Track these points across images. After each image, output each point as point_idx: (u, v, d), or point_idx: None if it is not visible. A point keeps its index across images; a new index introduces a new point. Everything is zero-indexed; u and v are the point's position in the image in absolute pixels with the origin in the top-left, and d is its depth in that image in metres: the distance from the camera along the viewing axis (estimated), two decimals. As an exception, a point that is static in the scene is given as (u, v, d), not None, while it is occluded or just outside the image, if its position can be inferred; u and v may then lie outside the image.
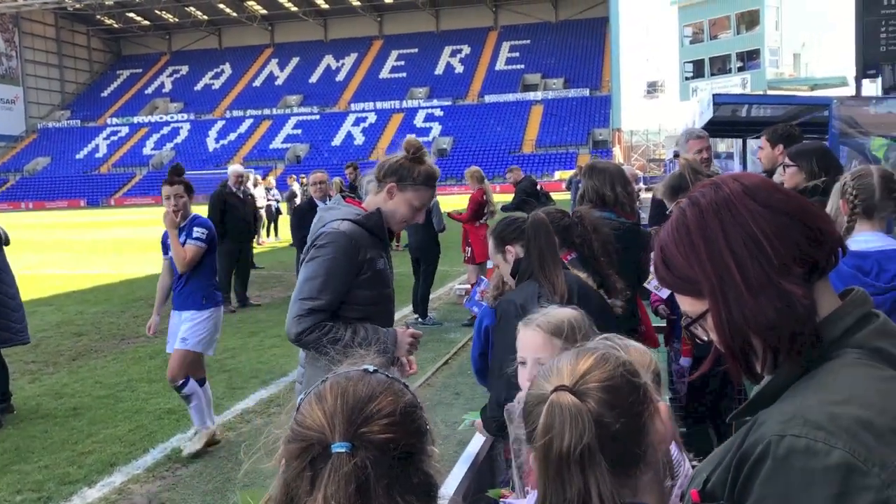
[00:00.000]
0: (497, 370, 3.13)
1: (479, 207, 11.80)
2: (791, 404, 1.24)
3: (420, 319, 11.12)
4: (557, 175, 55.48)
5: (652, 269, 1.40)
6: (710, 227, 1.30)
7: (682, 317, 1.40)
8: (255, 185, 21.85)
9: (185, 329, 6.05)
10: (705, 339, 1.38)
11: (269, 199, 24.04)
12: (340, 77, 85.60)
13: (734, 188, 1.33)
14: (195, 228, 6.03)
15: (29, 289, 14.95)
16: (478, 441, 3.57)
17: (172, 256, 6.05)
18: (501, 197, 16.71)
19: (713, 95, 6.86)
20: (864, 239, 3.18)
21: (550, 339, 2.37)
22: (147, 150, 78.24)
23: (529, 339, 2.43)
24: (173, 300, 6.23)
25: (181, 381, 5.96)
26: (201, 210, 12.96)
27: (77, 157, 79.33)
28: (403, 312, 11.68)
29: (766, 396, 1.32)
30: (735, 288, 1.27)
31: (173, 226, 6.03)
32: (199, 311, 6.04)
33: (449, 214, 12.13)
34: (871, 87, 12.35)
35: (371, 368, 1.35)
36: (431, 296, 11.81)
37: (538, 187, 14.22)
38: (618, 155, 63.46)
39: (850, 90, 14.11)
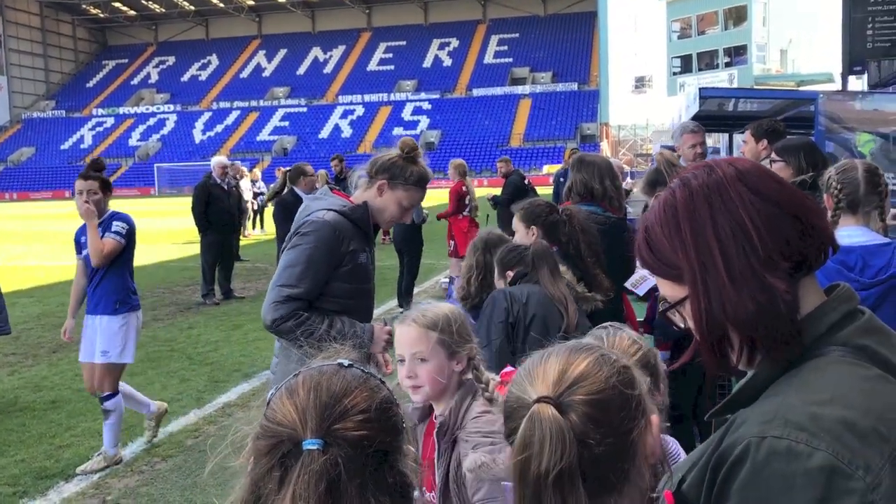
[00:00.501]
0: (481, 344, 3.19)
1: (460, 199, 11.83)
2: (772, 404, 1.19)
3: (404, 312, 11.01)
4: (545, 169, 55.57)
5: (637, 250, 1.35)
6: (698, 212, 1.25)
7: (660, 301, 1.36)
8: (241, 178, 21.69)
9: (103, 341, 5.64)
10: (681, 325, 1.33)
11: (254, 192, 23.86)
12: (328, 69, 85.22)
13: (728, 172, 1.28)
14: (114, 223, 5.61)
15: (10, 280, 14.80)
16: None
17: (88, 251, 5.62)
18: (491, 190, 16.67)
19: (699, 89, 6.83)
20: (849, 234, 3.15)
21: (426, 332, 2.38)
22: (133, 142, 77.68)
23: (405, 336, 2.42)
24: (87, 302, 5.81)
25: (106, 394, 5.59)
26: (186, 203, 12.93)
27: (62, 147, 78.65)
28: (389, 305, 11.63)
29: (746, 394, 1.27)
30: (717, 277, 1.22)
31: (91, 216, 5.57)
32: (112, 315, 5.64)
33: (438, 216, 12.25)
34: (858, 84, 12.38)
35: (346, 362, 1.30)
36: (417, 289, 11.81)
37: (525, 181, 14.16)
38: (605, 149, 63.47)
39: (836, 86, 14.13)
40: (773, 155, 4.40)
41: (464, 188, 11.91)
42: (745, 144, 5.57)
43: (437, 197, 15.90)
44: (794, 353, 1.23)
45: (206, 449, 5.87)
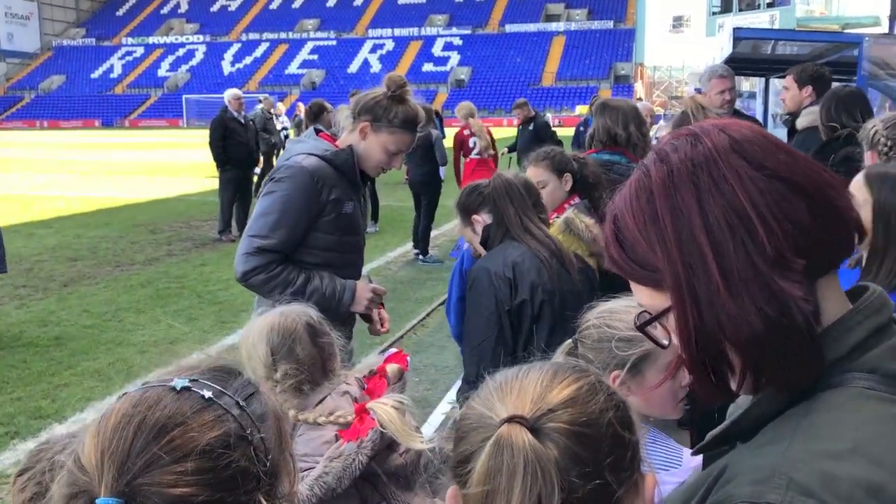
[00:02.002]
0: (470, 344, 2.82)
1: (460, 144, 11.58)
2: (770, 454, 0.90)
3: (421, 257, 10.81)
4: (578, 110, 54.47)
5: (604, 246, 1.03)
6: (680, 196, 0.94)
7: (638, 315, 1.04)
8: (278, 115, 21.25)
9: None
10: (665, 343, 1.01)
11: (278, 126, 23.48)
12: (358, 1, 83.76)
13: (719, 142, 0.95)
14: None
15: (30, 210, 14.78)
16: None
17: None
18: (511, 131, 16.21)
19: (734, 29, 6.37)
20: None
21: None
22: (162, 72, 77.34)
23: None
24: None
25: None
26: (206, 134, 12.64)
27: (92, 76, 78.55)
28: (406, 248, 11.42)
29: (743, 427, 0.98)
30: (709, 283, 0.91)
31: None
32: None
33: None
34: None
35: (181, 383, 0.98)
36: (434, 233, 11.52)
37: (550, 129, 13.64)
38: (639, 90, 62.16)
39: (883, 30, 13.44)
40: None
41: (465, 132, 11.51)
42: (785, 90, 5.16)
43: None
44: (812, 378, 0.93)
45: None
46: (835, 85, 4.62)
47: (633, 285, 1.02)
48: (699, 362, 0.95)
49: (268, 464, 0.99)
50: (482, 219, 2.99)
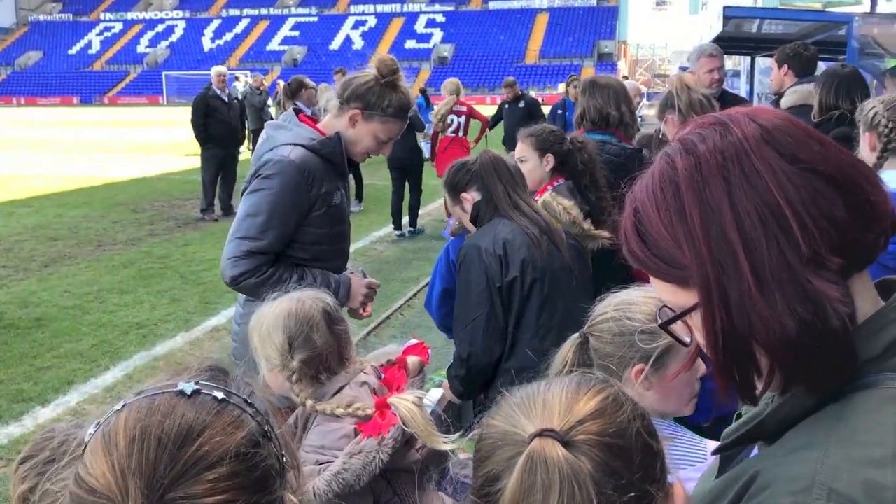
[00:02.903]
0: (460, 321, 2.78)
1: (440, 122, 11.67)
2: (807, 461, 0.85)
3: (411, 228, 11.10)
4: (560, 88, 54.38)
5: (622, 238, 0.98)
6: (709, 190, 0.89)
7: (660, 308, 1.00)
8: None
9: None
10: (687, 340, 0.98)
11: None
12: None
13: (750, 131, 0.90)
14: None
15: (8, 189, 14.57)
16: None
17: None
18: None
19: (724, 8, 6.32)
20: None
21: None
22: (141, 49, 76.33)
23: None
24: None
25: None
26: (187, 112, 12.49)
27: (70, 52, 77.39)
28: (382, 232, 11.34)
29: (767, 428, 0.94)
30: (739, 282, 0.86)
31: None
32: None
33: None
34: (887, 6, 11.71)
35: (189, 387, 0.92)
36: (421, 211, 11.51)
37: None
38: (623, 69, 62.05)
39: (865, 9, 13.43)
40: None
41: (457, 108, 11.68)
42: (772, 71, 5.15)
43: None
44: (846, 380, 0.89)
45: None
46: (828, 64, 4.59)
47: (653, 281, 0.98)
48: (726, 364, 0.91)
49: (287, 458, 0.96)
50: (471, 196, 2.93)
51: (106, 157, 20.85)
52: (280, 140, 2.85)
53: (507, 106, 13.13)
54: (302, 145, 2.81)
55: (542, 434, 0.90)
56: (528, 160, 3.49)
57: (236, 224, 2.83)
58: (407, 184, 11.08)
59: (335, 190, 2.90)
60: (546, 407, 0.95)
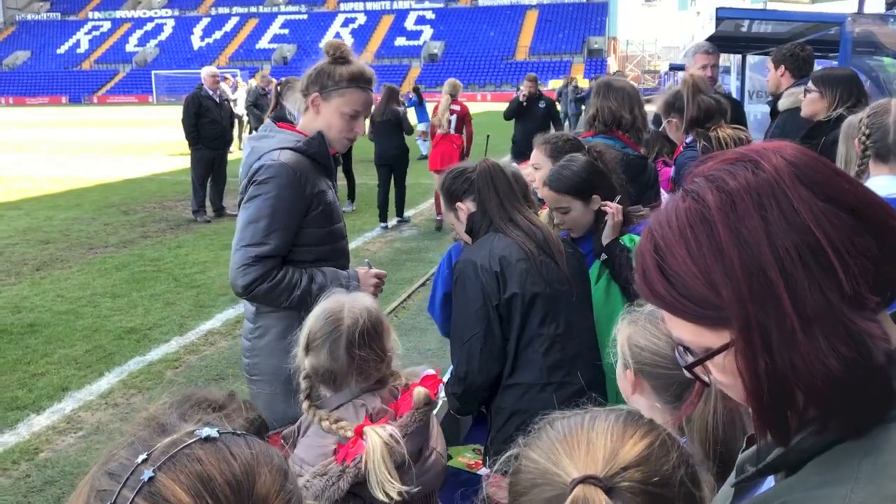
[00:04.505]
0: (457, 339, 2.76)
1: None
2: (834, 497, 0.84)
3: (400, 217, 11.84)
4: (551, 84, 54.35)
5: (636, 275, 0.96)
6: (747, 228, 0.86)
7: (677, 348, 0.97)
8: (236, 89, 21.06)
9: None
10: (707, 380, 0.95)
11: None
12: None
13: (780, 166, 0.88)
14: None
15: (-3, 191, 14.48)
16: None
17: None
18: (492, 105, 16.03)
19: (717, 9, 6.33)
20: (883, 184, 2.79)
21: None
22: (130, 47, 75.96)
23: None
24: None
25: None
26: (180, 111, 12.44)
27: (58, 51, 76.96)
28: (374, 232, 11.34)
29: (789, 459, 0.93)
30: (782, 323, 0.84)
31: None
32: None
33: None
34: (874, 5, 11.74)
35: (212, 432, 0.90)
36: (411, 212, 11.67)
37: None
38: (612, 65, 62.09)
39: (852, 7, 13.45)
40: (810, 84, 4.00)
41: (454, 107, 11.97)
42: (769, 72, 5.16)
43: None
44: (883, 415, 0.87)
45: (185, 382, 5.64)
46: (826, 65, 4.60)
47: (672, 321, 0.95)
48: (769, 407, 0.89)
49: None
50: (466, 207, 2.87)
51: (96, 158, 20.74)
52: (266, 148, 2.85)
53: (524, 104, 12.77)
54: (289, 148, 2.82)
55: (585, 481, 0.89)
56: (542, 168, 3.44)
57: (239, 234, 2.83)
58: (393, 179, 11.54)
59: (327, 188, 2.91)
60: (590, 449, 0.93)
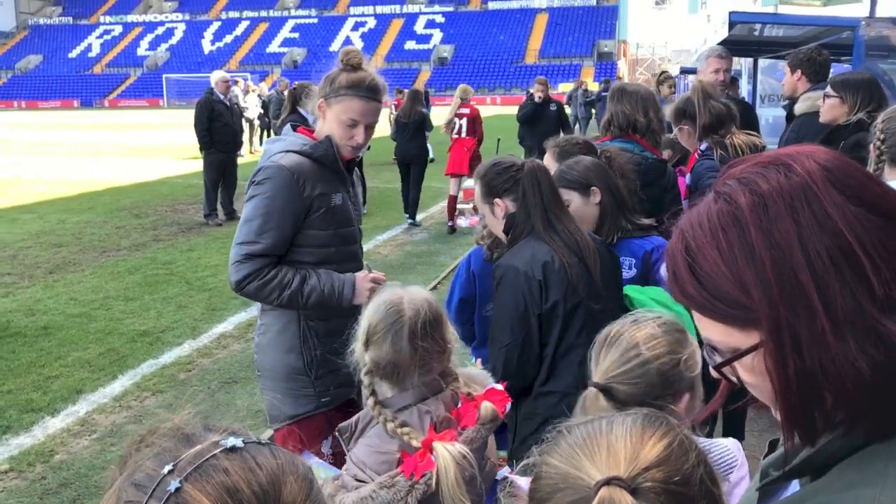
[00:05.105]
0: (495, 342, 2.75)
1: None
2: (863, 499, 0.84)
3: (411, 221, 11.96)
4: (560, 88, 54.40)
5: (665, 276, 0.97)
6: (779, 230, 0.88)
7: (706, 347, 0.98)
8: (248, 93, 21.16)
9: None
10: (735, 380, 0.97)
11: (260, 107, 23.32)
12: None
13: (813, 170, 0.90)
14: None
15: (10, 194, 14.57)
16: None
17: None
18: (502, 109, 16.06)
19: (730, 13, 6.32)
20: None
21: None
22: (141, 51, 76.43)
23: None
24: None
25: None
26: (191, 115, 12.49)
27: (70, 55, 77.48)
28: (394, 231, 11.37)
29: (814, 463, 0.93)
30: (812, 325, 0.85)
31: None
32: None
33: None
34: (887, 7, 11.69)
35: (238, 442, 0.91)
36: (422, 215, 11.68)
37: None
38: (622, 68, 62.03)
39: (864, 9, 13.41)
40: (829, 89, 3.99)
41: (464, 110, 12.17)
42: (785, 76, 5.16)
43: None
44: None
45: (198, 384, 5.66)
46: (837, 68, 4.59)
47: (702, 321, 0.96)
48: (797, 408, 0.90)
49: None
50: (504, 205, 2.82)
51: (107, 161, 20.86)
52: (274, 150, 2.92)
53: (538, 107, 12.78)
54: (294, 151, 2.87)
55: (610, 482, 0.90)
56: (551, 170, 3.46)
57: (237, 231, 2.91)
58: (410, 180, 11.86)
59: (333, 192, 2.92)
60: (611, 451, 0.94)
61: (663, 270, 3.12)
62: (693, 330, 2.69)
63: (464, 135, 11.92)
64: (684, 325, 1.82)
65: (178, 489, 0.85)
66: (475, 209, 3.35)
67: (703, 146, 4.12)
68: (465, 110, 11.93)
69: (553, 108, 12.73)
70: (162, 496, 0.85)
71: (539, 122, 12.24)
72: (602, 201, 3.17)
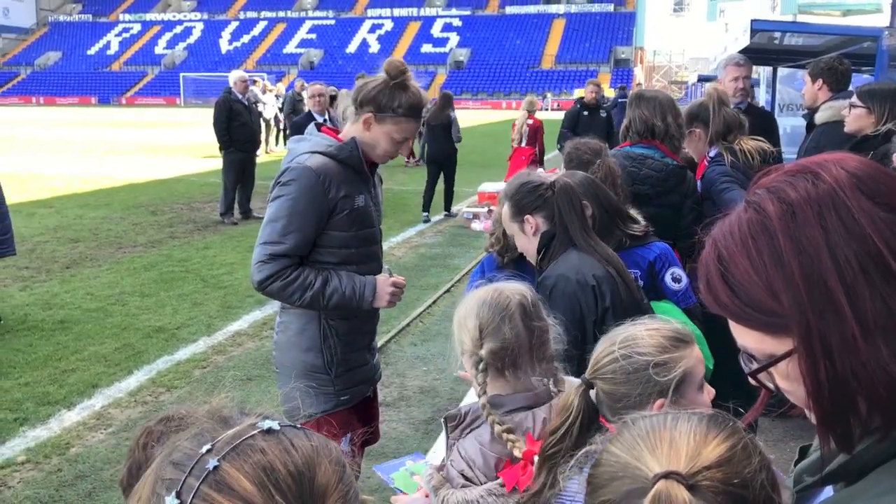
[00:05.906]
0: None
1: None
2: None
3: (447, 212, 13.02)
4: (576, 93, 54.36)
5: (670, 285, 0.98)
6: (807, 237, 0.89)
7: (743, 355, 0.99)
8: (265, 92, 21.24)
9: None
10: (771, 386, 0.97)
11: (277, 107, 23.39)
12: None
13: (841, 177, 0.91)
14: None
15: (28, 189, 14.68)
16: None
17: None
18: (514, 114, 16.08)
19: (752, 21, 6.30)
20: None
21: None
22: (159, 50, 76.84)
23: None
24: None
25: None
26: (211, 114, 12.55)
27: (88, 53, 78.01)
28: (409, 233, 11.39)
29: (850, 469, 0.94)
30: (842, 330, 0.86)
31: None
32: None
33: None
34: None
35: (275, 424, 0.93)
36: (436, 218, 11.90)
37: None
38: (639, 75, 61.93)
39: (885, 17, 13.34)
40: (855, 99, 3.97)
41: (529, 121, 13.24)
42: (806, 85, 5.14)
43: (474, 120, 15.47)
44: None
45: (213, 381, 5.69)
46: (862, 79, 4.58)
47: (737, 328, 0.98)
48: (831, 413, 0.90)
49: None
50: (536, 223, 2.81)
51: (124, 158, 20.99)
52: (299, 150, 2.94)
53: (585, 114, 12.40)
54: (319, 152, 2.89)
55: (668, 476, 0.91)
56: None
57: (261, 231, 2.92)
58: (443, 176, 12.77)
59: (356, 193, 2.94)
60: (673, 446, 0.95)
61: (668, 279, 3.12)
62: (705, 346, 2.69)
63: (524, 143, 12.95)
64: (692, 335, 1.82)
65: (216, 467, 0.87)
66: (489, 212, 3.36)
67: (713, 152, 4.13)
68: (530, 121, 13.03)
69: (602, 114, 12.43)
70: (200, 474, 0.87)
71: (582, 128, 11.44)
72: (592, 215, 3.15)
